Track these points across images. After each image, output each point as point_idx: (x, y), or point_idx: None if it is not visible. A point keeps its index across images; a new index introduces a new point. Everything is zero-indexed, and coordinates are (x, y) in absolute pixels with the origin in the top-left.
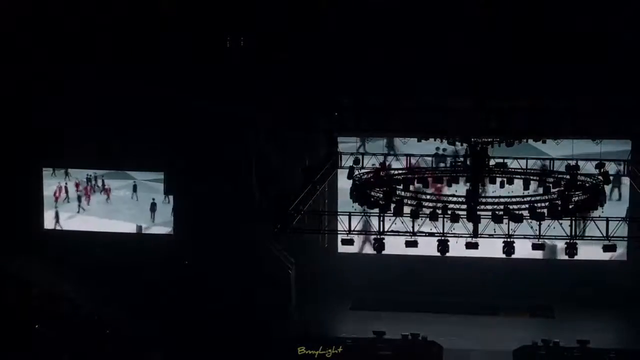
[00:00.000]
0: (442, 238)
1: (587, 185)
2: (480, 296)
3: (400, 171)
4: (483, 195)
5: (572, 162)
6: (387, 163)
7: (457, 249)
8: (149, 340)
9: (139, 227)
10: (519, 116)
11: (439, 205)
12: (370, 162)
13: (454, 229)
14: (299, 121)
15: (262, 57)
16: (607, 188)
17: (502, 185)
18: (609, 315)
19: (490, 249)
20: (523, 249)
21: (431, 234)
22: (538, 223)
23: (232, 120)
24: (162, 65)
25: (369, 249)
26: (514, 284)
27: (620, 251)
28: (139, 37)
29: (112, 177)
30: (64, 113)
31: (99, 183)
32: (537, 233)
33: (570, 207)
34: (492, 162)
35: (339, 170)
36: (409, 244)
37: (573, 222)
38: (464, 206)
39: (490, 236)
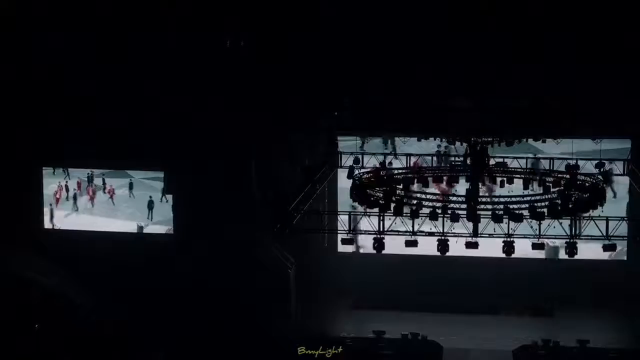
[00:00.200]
0: (442, 238)
1: (587, 184)
2: (480, 296)
3: (400, 171)
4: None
5: (572, 162)
6: (387, 162)
7: (457, 248)
8: (149, 340)
9: (140, 227)
10: (519, 116)
11: (439, 204)
12: (370, 162)
13: (453, 228)
14: (299, 121)
15: (262, 57)
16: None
17: (502, 185)
18: (609, 314)
19: (491, 248)
20: (524, 249)
21: (431, 234)
22: (538, 223)
23: (232, 120)
24: (162, 65)
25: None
26: (513, 284)
27: (620, 250)
28: (138, 37)
29: (109, 175)
30: (64, 112)
31: (100, 182)
32: (537, 232)
33: (570, 206)
34: (492, 162)
35: (339, 170)
36: (409, 244)
37: (573, 221)
38: (464, 206)
39: (490, 236)
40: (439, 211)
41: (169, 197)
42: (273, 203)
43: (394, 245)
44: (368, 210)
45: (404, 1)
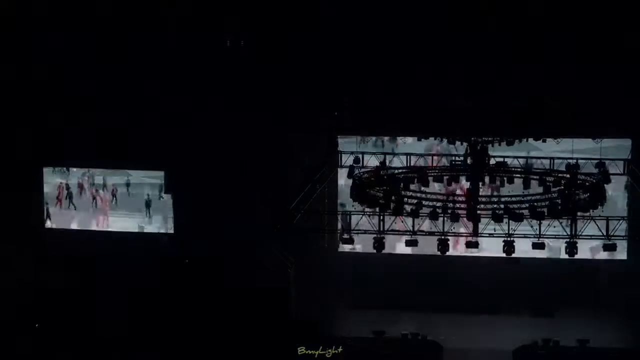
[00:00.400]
0: (442, 237)
1: (587, 184)
2: (480, 295)
3: (400, 170)
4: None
5: (572, 161)
6: (388, 162)
7: (457, 247)
8: (148, 339)
9: (141, 227)
10: (520, 115)
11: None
12: (370, 161)
13: (454, 227)
14: (299, 120)
15: (262, 57)
16: None
17: (502, 184)
18: (609, 314)
19: (491, 248)
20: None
21: (431, 233)
22: (538, 222)
23: (232, 119)
24: (163, 65)
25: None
26: (514, 283)
27: (621, 250)
28: (138, 37)
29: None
30: (64, 112)
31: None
32: (538, 232)
33: (571, 206)
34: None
35: (339, 169)
36: (409, 243)
37: (573, 221)
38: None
39: (491, 235)
40: (439, 211)
41: (164, 195)
42: (273, 202)
43: (394, 245)
44: (368, 209)
45: (404, 1)
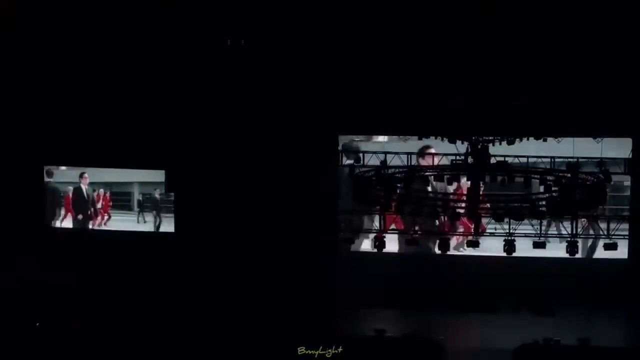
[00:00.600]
0: (443, 236)
1: (588, 183)
2: (480, 294)
3: (401, 169)
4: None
5: (573, 160)
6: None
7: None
8: (148, 339)
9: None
10: (520, 114)
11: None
12: (371, 161)
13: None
14: (299, 119)
15: (262, 57)
16: None
17: (503, 184)
18: (610, 313)
19: (492, 247)
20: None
21: (432, 232)
22: (539, 221)
23: (233, 118)
24: (163, 64)
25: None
26: (514, 282)
27: (621, 249)
28: (138, 37)
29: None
30: (65, 112)
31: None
32: (538, 231)
33: (571, 205)
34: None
35: (340, 169)
36: (410, 242)
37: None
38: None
39: (492, 234)
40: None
41: (161, 195)
42: (274, 201)
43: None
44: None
45: (404, 1)
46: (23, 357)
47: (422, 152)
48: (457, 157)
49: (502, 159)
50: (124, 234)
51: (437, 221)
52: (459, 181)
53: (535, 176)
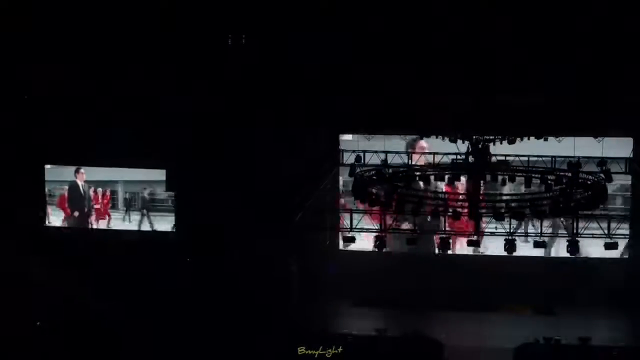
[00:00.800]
0: (444, 235)
1: (589, 182)
2: (481, 293)
3: (402, 168)
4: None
5: (574, 160)
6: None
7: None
8: (148, 338)
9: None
10: (521, 114)
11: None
12: (372, 160)
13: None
14: (300, 118)
15: (262, 57)
16: None
17: (503, 183)
18: (611, 312)
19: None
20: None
21: (433, 232)
22: (539, 221)
23: (234, 117)
24: (163, 64)
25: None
26: (515, 282)
27: (622, 249)
28: (139, 37)
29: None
30: (65, 111)
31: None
32: (539, 231)
33: (572, 204)
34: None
35: (341, 168)
36: (411, 242)
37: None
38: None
39: (492, 234)
40: (441, 209)
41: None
42: (275, 201)
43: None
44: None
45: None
46: (23, 356)
47: (413, 145)
48: (458, 156)
49: (502, 158)
50: (124, 234)
51: (428, 218)
52: (459, 180)
53: (536, 175)
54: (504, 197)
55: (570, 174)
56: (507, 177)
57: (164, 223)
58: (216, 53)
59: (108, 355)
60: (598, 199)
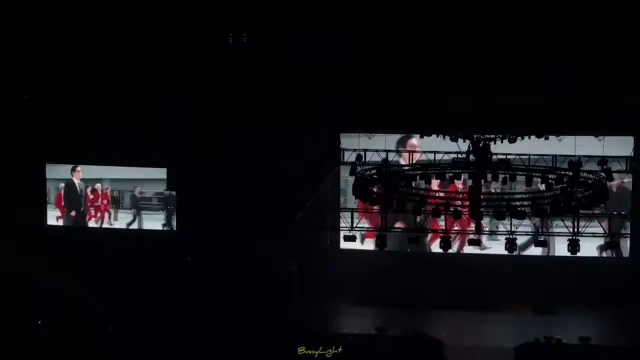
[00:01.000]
0: (445, 235)
1: (589, 182)
2: (482, 293)
3: (402, 168)
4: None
5: (575, 159)
6: (390, 159)
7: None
8: (148, 337)
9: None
10: (521, 113)
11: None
12: (373, 159)
13: (456, 225)
14: (301, 118)
15: (262, 57)
16: None
17: (504, 182)
18: (611, 312)
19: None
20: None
21: (434, 231)
22: (540, 220)
23: (234, 117)
24: (163, 64)
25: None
26: (515, 281)
27: (623, 248)
28: (139, 37)
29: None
30: (65, 111)
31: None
32: (540, 230)
33: (573, 203)
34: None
35: (342, 167)
36: (411, 241)
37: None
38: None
39: (493, 233)
40: (442, 208)
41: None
42: (275, 200)
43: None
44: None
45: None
46: (23, 356)
47: (403, 144)
48: (459, 155)
49: (503, 156)
50: (123, 233)
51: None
52: (460, 179)
53: (537, 174)
54: (505, 196)
55: (571, 173)
56: (507, 176)
57: (152, 222)
58: (216, 53)
59: (108, 355)
60: (599, 198)
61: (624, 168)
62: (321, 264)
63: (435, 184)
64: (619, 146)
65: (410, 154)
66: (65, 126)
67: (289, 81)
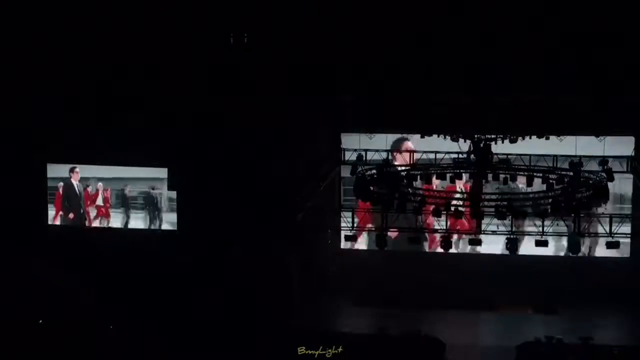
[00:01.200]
0: (446, 235)
1: (590, 182)
2: (482, 292)
3: (403, 167)
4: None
5: (576, 159)
6: (390, 159)
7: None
8: (149, 337)
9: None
10: (522, 113)
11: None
12: (373, 158)
13: (457, 225)
14: (301, 118)
15: (264, 55)
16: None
17: (505, 182)
18: (612, 311)
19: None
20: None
21: (434, 231)
22: (541, 220)
23: (235, 117)
24: (164, 64)
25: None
26: (516, 280)
27: (623, 248)
28: (139, 37)
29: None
30: (66, 110)
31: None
32: (541, 230)
33: (574, 203)
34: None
35: (342, 167)
36: (412, 241)
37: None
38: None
39: (494, 232)
40: (442, 208)
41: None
42: (276, 200)
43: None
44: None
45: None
46: (25, 354)
47: (398, 146)
48: (460, 155)
49: (504, 156)
50: (123, 233)
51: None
52: (461, 179)
53: (538, 174)
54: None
55: (571, 173)
56: (508, 176)
57: (138, 221)
58: (216, 53)
59: (107, 355)
60: (600, 197)
61: (625, 168)
62: (321, 264)
63: (435, 184)
64: (619, 146)
65: (411, 154)
66: (65, 126)
67: (289, 81)
